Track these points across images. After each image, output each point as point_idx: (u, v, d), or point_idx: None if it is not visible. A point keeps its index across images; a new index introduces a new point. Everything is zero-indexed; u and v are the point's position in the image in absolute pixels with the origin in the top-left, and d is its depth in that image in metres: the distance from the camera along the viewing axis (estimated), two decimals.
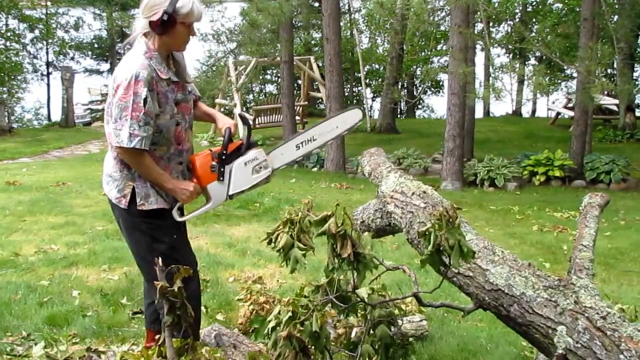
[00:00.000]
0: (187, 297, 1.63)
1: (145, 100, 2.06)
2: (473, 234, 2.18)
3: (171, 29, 2.13)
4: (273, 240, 1.83)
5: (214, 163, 2.27)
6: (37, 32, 20.02)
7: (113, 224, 4.99)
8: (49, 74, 21.30)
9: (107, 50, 21.95)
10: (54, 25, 20.62)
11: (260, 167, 2.34)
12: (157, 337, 1.56)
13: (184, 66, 2.32)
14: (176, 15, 2.11)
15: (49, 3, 20.18)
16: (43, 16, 20.09)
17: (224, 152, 2.27)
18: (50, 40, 20.84)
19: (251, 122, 2.40)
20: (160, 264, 1.46)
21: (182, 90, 2.26)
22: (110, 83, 2.16)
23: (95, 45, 22.43)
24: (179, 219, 2.28)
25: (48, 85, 21.20)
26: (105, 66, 22.61)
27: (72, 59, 22.05)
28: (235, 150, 2.31)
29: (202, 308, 3.19)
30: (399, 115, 20.93)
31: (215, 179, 2.27)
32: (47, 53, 21.36)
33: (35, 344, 2.67)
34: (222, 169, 2.27)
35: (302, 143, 2.50)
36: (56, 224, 5.15)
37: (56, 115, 19.41)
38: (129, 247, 2.34)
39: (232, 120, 2.41)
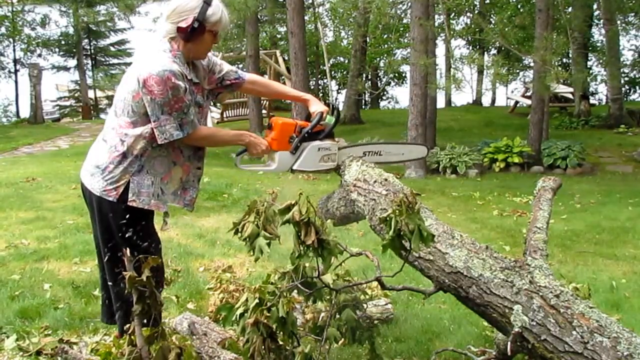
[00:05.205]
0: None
1: (185, 90, 2.09)
2: (433, 219, 2.24)
3: (199, 36, 2.13)
4: (239, 230, 1.87)
5: (294, 135, 2.37)
6: (3, 29, 19.98)
7: (83, 218, 4.95)
8: (16, 71, 21.34)
9: (74, 47, 21.88)
10: (20, 23, 20.59)
11: (329, 158, 2.45)
12: (126, 326, 1.59)
13: (203, 72, 2.32)
14: (206, 23, 2.12)
15: (14, 0, 20.02)
16: (9, 14, 20.02)
17: (309, 131, 2.38)
18: (16, 38, 20.77)
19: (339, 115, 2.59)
20: (128, 253, 1.48)
21: (201, 93, 2.27)
22: (131, 79, 2.11)
23: (62, 42, 22.30)
24: (239, 166, 2.40)
25: (16, 82, 21.24)
26: (72, 62, 22.56)
27: (40, 55, 21.94)
28: (316, 133, 2.41)
29: (174, 297, 3.25)
30: (363, 106, 21.10)
31: (288, 149, 2.37)
32: (14, 50, 21.36)
33: (8, 337, 2.67)
34: (298, 145, 2.37)
35: (369, 152, 2.62)
36: (26, 219, 5.10)
37: (25, 112, 19.52)
38: (101, 241, 2.29)
39: (325, 107, 2.47)
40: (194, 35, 2.12)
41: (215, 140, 2.34)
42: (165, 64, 2.06)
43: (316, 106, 2.45)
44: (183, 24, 2.10)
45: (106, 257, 2.26)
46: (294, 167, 2.41)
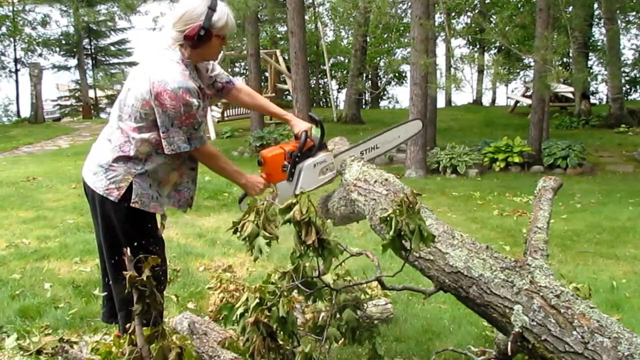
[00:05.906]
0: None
1: (197, 107, 2.10)
2: (433, 219, 2.24)
3: (207, 42, 2.13)
4: (239, 229, 1.87)
5: (285, 163, 2.35)
6: (4, 29, 20.18)
7: (84, 217, 4.96)
8: (17, 70, 21.55)
9: (75, 46, 22.13)
10: (21, 22, 20.80)
11: (327, 169, 2.44)
12: (127, 326, 1.59)
13: (204, 73, 2.32)
14: (212, 29, 2.12)
15: (15, 0, 20.24)
16: (10, 13, 20.22)
17: (298, 153, 2.35)
18: (17, 37, 20.99)
19: (319, 123, 2.56)
20: (129, 253, 1.48)
21: (203, 96, 2.27)
22: (140, 86, 2.10)
23: (63, 42, 22.53)
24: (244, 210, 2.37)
25: (16, 81, 21.47)
26: (72, 62, 22.82)
27: (40, 55, 22.17)
28: (307, 150, 2.39)
29: (173, 297, 3.26)
30: (363, 106, 21.10)
31: (284, 178, 2.35)
32: (14, 50, 21.57)
33: (8, 336, 2.67)
34: (292, 170, 2.35)
35: (366, 150, 2.61)
36: (27, 219, 5.14)
37: (25, 112, 19.79)
38: (102, 240, 2.30)
39: (308, 124, 2.45)
40: (201, 42, 2.12)
41: (216, 164, 2.30)
42: (181, 80, 2.06)
43: (299, 126, 2.44)
44: (189, 32, 2.10)
45: (108, 256, 2.26)
46: (297, 192, 2.40)
